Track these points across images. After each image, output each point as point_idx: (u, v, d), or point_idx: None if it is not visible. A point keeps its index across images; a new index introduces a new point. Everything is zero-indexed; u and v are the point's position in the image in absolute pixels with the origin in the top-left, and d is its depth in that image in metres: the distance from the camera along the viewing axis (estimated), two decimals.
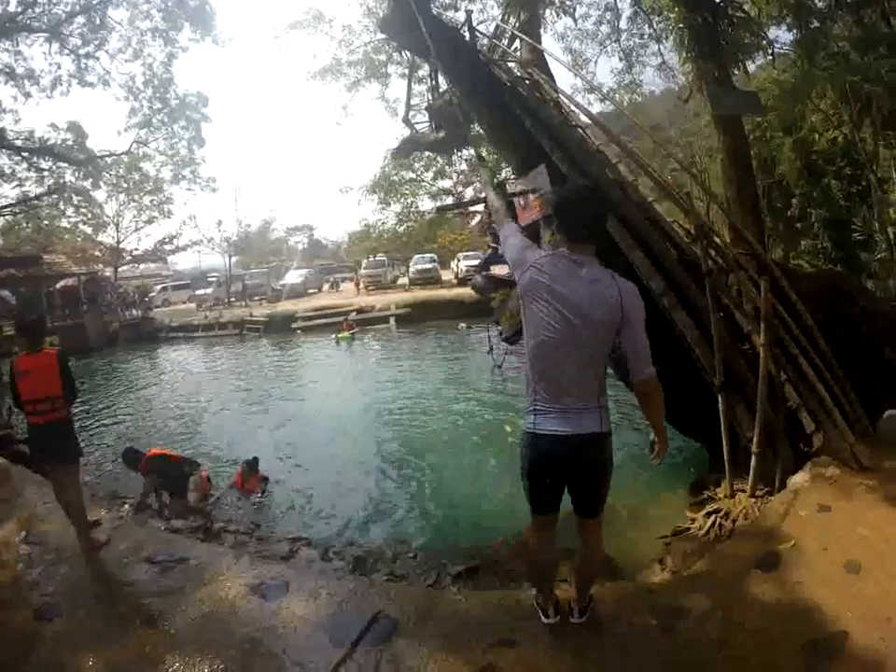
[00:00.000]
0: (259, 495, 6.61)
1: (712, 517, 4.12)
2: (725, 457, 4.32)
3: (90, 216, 29.16)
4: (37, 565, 3.95)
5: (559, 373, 2.31)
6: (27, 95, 17.59)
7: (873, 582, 2.80)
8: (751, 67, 11.44)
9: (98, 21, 16.64)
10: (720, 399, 4.34)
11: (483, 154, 21.22)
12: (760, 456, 4.08)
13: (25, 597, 3.56)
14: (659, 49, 14.07)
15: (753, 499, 4.02)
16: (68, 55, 17.07)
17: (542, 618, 2.76)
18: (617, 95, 15.41)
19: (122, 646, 2.98)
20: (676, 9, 7.75)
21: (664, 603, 2.94)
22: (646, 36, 14.08)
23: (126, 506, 5.68)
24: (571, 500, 2.48)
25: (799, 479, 3.88)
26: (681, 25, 7.64)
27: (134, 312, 27.09)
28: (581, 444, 2.29)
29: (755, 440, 4.07)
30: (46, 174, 21.60)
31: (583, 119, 6.22)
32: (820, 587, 2.83)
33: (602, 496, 2.46)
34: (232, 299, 30.20)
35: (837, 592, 2.78)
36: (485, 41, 7.61)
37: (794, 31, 9.98)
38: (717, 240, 5.03)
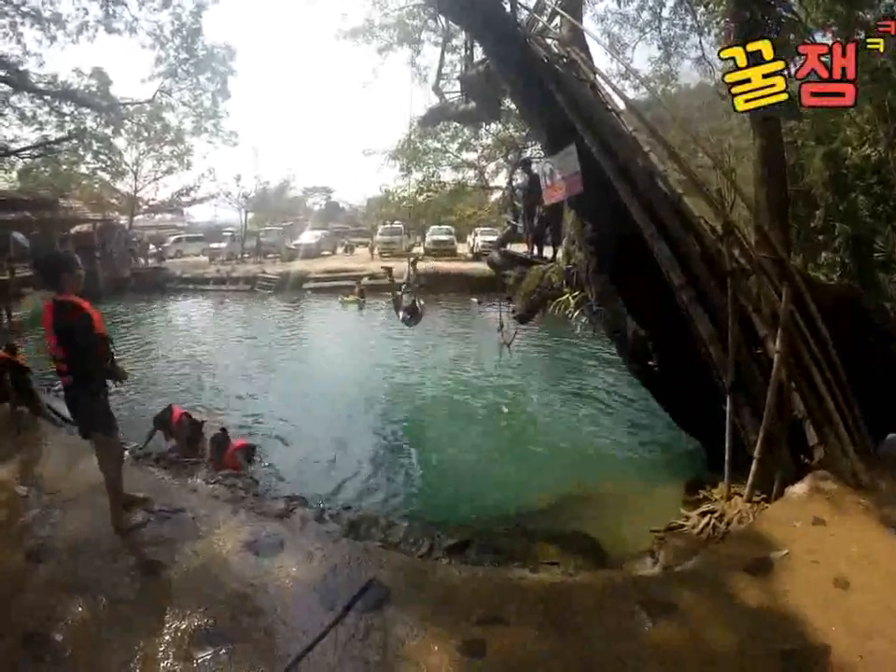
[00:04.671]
0: (241, 471, 5.61)
1: (707, 517, 4.13)
2: (726, 459, 4.31)
3: (109, 163, 28.67)
4: (34, 507, 3.99)
5: None
6: (52, 39, 17.18)
7: (859, 599, 2.82)
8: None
9: None
10: (728, 399, 4.32)
11: (511, 131, 20.84)
12: (760, 462, 4.08)
13: (18, 539, 3.59)
14: (700, 41, 13.71)
15: (749, 504, 4.03)
16: (96, 0, 16.76)
17: None
18: (651, 84, 15.09)
19: (113, 593, 3.02)
20: (724, 2, 7.53)
21: (651, 596, 2.97)
22: (687, 27, 13.72)
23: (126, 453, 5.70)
24: None
25: (797, 489, 3.89)
26: (727, 19, 7.43)
27: (146, 261, 27.04)
28: None
29: (758, 445, 4.07)
30: (67, 118, 21.26)
31: (618, 102, 6.10)
32: (808, 598, 2.85)
33: None
34: (246, 255, 30.01)
35: (824, 605, 2.80)
36: (525, 14, 7.44)
37: (838, 40, 9.68)
38: (742, 241, 4.95)
